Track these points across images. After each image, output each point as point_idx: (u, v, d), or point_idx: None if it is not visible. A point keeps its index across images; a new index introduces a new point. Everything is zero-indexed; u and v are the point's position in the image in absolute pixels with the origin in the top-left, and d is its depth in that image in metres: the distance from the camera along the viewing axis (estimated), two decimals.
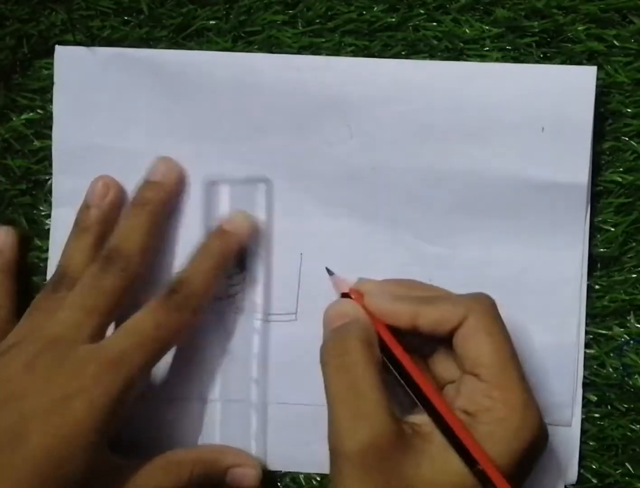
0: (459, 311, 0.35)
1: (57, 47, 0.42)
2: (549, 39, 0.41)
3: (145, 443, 0.40)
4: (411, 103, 0.40)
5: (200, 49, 0.42)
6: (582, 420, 0.41)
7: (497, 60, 0.41)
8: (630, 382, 0.41)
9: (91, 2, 0.42)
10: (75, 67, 0.41)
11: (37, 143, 0.43)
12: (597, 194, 0.41)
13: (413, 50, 0.42)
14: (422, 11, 0.42)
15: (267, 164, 0.41)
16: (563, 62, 0.41)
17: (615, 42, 0.41)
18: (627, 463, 0.41)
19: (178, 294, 0.37)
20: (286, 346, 0.41)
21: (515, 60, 0.41)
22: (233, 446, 0.41)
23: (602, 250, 0.41)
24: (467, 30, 0.41)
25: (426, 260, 0.41)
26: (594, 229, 0.41)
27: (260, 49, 0.42)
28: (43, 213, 0.43)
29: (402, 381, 0.36)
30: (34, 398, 0.34)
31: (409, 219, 0.41)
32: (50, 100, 0.42)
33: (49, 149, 0.42)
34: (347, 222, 0.41)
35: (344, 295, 0.38)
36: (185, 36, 0.42)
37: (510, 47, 0.41)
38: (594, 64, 0.41)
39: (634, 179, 0.41)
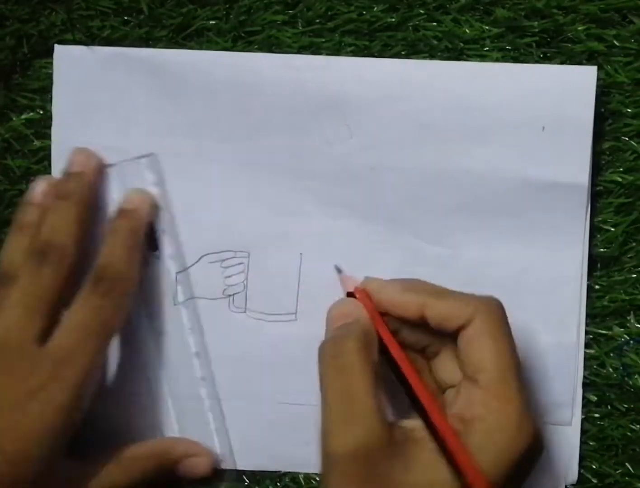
0: (468, 309, 0.34)
1: (56, 46, 0.42)
2: (549, 39, 0.41)
3: (103, 443, 0.40)
4: (411, 103, 0.40)
5: (200, 49, 0.42)
6: (582, 420, 0.41)
7: (497, 60, 0.41)
8: (630, 382, 0.41)
9: (91, 2, 0.42)
10: (74, 67, 0.41)
11: (37, 143, 0.43)
12: (597, 194, 0.41)
13: (413, 50, 0.42)
14: (422, 11, 0.42)
15: (266, 164, 0.41)
16: (563, 62, 0.41)
17: (615, 42, 0.41)
18: (627, 463, 0.41)
19: (104, 279, 0.38)
20: (286, 346, 0.41)
21: (515, 60, 0.41)
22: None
23: (602, 250, 0.41)
24: (467, 30, 0.41)
25: (426, 260, 0.41)
26: (594, 229, 0.41)
27: (260, 49, 0.42)
28: None
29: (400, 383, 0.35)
30: None
31: (409, 219, 0.41)
32: (50, 100, 0.42)
33: (48, 148, 0.42)
34: (347, 222, 0.41)
35: (350, 295, 0.38)
36: (185, 36, 0.42)
37: (510, 47, 0.41)
38: (594, 64, 0.41)
39: (634, 179, 0.41)
